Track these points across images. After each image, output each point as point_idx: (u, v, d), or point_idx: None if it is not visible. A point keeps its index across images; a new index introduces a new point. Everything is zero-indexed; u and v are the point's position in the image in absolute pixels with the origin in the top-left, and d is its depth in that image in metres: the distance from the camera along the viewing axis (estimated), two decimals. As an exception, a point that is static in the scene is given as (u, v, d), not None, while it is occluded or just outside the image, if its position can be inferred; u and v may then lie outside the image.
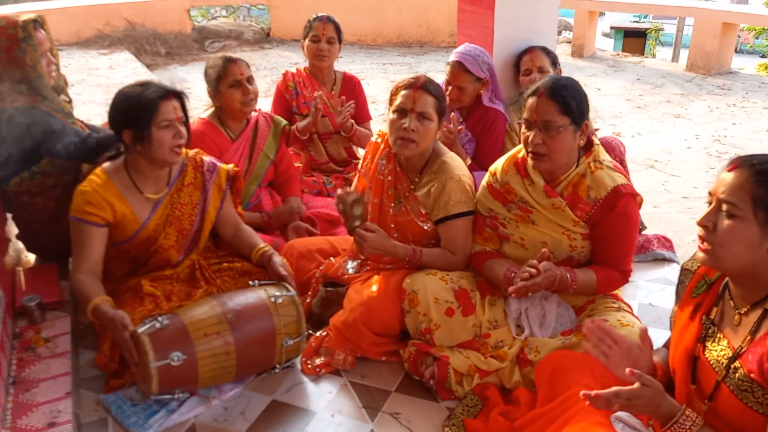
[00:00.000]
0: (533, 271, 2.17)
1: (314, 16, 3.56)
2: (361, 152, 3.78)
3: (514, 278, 2.23)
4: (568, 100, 2.20)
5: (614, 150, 3.05)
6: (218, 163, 2.64)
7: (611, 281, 2.33)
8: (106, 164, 2.46)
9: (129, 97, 2.36)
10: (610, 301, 2.36)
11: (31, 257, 3.08)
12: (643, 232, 3.28)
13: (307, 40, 3.54)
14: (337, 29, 3.56)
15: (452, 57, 3.20)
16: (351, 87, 3.71)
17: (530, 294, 2.25)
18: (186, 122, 2.43)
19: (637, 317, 2.32)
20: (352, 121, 3.55)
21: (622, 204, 2.24)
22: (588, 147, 2.34)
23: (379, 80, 6.97)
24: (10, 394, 2.17)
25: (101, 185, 2.37)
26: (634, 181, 3.12)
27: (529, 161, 2.31)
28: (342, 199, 2.50)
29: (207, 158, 2.62)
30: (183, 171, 2.55)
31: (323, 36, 3.50)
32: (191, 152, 2.60)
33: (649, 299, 2.85)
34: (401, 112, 2.44)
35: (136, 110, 2.32)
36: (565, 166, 2.30)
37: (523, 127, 2.29)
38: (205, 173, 2.58)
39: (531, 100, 2.26)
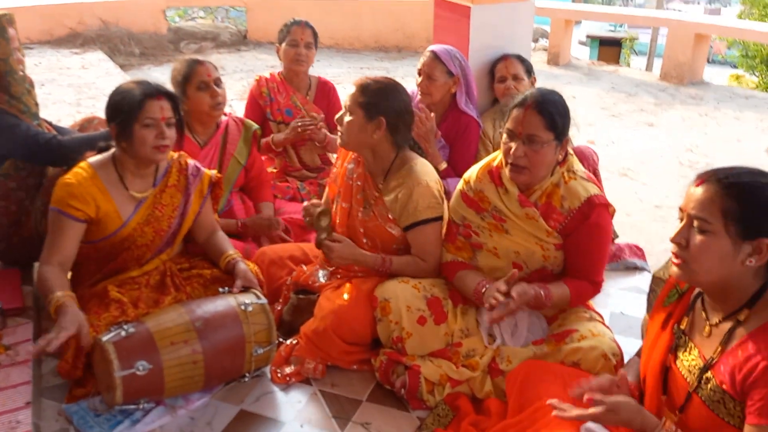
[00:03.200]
0: (500, 297, 2.13)
1: (291, 20, 3.52)
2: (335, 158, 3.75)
3: (485, 294, 2.21)
4: (555, 116, 2.19)
5: (588, 159, 3.06)
6: (202, 168, 2.61)
7: (583, 293, 2.33)
8: (93, 158, 2.42)
9: (120, 92, 2.35)
10: (581, 310, 2.36)
11: (-6, 262, 3.00)
12: (615, 241, 3.30)
13: (284, 45, 3.50)
14: (315, 34, 3.54)
15: (426, 50, 3.21)
16: (326, 92, 3.68)
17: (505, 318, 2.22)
18: (177, 124, 2.40)
19: (608, 326, 2.32)
20: (325, 131, 3.51)
21: (595, 215, 2.23)
22: (563, 158, 2.33)
23: (356, 84, 6.95)
24: (-32, 404, 2.11)
25: (87, 179, 2.33)
26: (607, 189, 3.14)
27: (507, 172, 2.30)
28: (308, 211, 2.50)
29: (191, 162, 2.59)
30: (168, 172, 2.51)
31: (302, 41, 3.47)
32: (176, 154, 2.56)
33: (621, 308, 2.86)
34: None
35: (122, 106, 2.31)
36: (541, 178, 2.29)
37: (505, 136, 2.28)
38: (189, 177, 2.54)
39: (517, 112, 2.23)
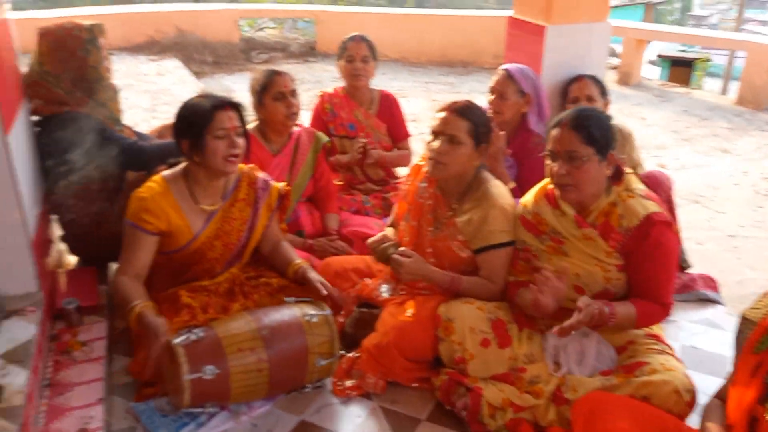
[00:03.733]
0: (547, 274, 2.16)
1: (348, 36, 3.57)
2: (400, 171, 3.76)
3: (537, 296, 2.19)
4: (592, 130, 2.18)
5: (662, 185, 2.98)
6: (271, 181, 2.65)
7: (651, 315, 2.27)
8: (166, 172, 2.50)
9: (188, 107, 2.42)
10: (652, 342, 2.28)
11: (72, 259, 3.11)
12: (687, 271, 3.19)
13: (342, 61, 3.55)
14: (371, 47, 3.55)
15: (499, 68, 3.20)
16: (388, 105, 3.69)
17: (573, 335, 2.19)
18: (244, 133, 2.45)
19: (679, 360, 2.24)
20: (378, 151, 3.52)
21: (656, 233, 2.18)
22: (619, 176, 2.30)
23: (421, 99, 6.97)
24: (44, 397, 2.20)
25: (160, 193, 2.40)
26: (679, 216, 3.06)
27: (557, 192, 2.29)
28: (375, 246, 2.54)
29: (261, 175, 2.63)
30: (238, 185, 2.56)
31: (358, 56, 3.50)
32: (246, 167, 2.61)
33: (692, 341, 2.76)
34: (434, 134, 2.47)
35: (192, 119, 2.37)
36: (595, 196, 2.27)
37: (548, 158, 2.28)
38: (258, 190, 2.59)
39: (554, 131, 2.25)
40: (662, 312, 2.28)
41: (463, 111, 2.45)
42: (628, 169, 2.35)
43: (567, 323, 2.11)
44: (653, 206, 2.23)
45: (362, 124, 3.58)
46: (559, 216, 2.33)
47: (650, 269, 2.23)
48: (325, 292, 2.43)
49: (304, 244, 3.07)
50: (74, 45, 2.73)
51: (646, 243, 2.20)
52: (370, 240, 2.59)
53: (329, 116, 3.60)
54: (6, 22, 2.66)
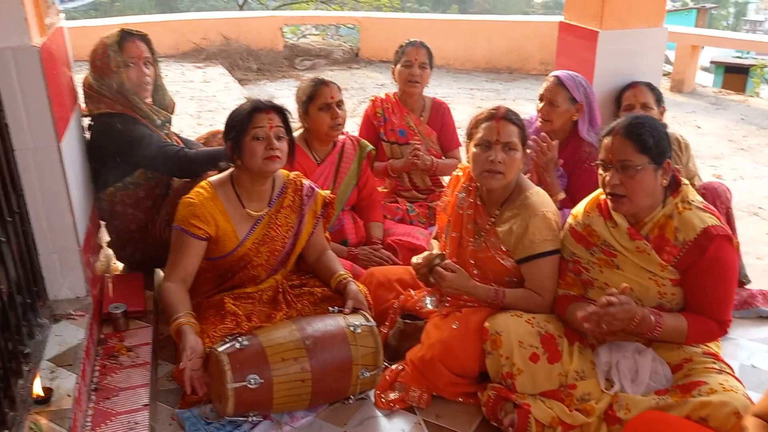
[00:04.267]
0: (612, 299, 2.05)
1: (407, 41, 3.53)
2: (446, 181, 3.71)
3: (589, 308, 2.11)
4: (645, 137, 2.11)
5: (720, 196, 2.86)
6: (316, 188, 2.64)
7: (706, 332, 2.17)
8: (213, 177, 2.52)
9: (233, 111, 2.45)
10: (710, 361, 2.18)
11: (119, 265, 3.16)
12: (747, 286, 3.06)
13: (399, 66, 3.51)
14: (429, 54, 3.52)
15: (550, 75, 3.13)
16: (440, 113, 3.65)
17: (604, 326, 2.08)
18: (289, 137, 2.45)
19: (739, 380, 2.13)
20: (431, 157, 3.48)
21: (714, 247, 2.09)
22: (675, 187, 2.21)
23: (466, 105, 6.90)
24: (91, 401, 2.22)
25: (208, 199, 2.42)
26: (738, 229, 2.93)
27: (609, 203, 2.21)
28: (419, 269, 2.50)
29: (306, 182, 2.63)
30: (284, 192, 2.57)
31: (416, 61, 3.47)
32: (292, 174, 2.61)
33: (752, 360, 2.64)
34: (485, 144, 2.38)
35: (234, 122, 2.40)
36: (649, 208, 2.19)
37: (600, 168, 2.21)
38: (304, 197, 2.59)
39: (606, 140, 2.19)
40: (719, 330, 2.19)
41: (510, 116, 2.40)
42: (685, 180, 2.26)
43: (594, 310, 2.07)
44: (711, 219, 2.14)
45: (413, 130, 3.55)
46: (612, 228, 2.25)
47: (708, 285, 2.14)
48: (348, 310, 2.37)
49: (348, 253, 3.04)
50: (102, 51, 2.79)
51: (704, 257, 2.11)
52: (414, 260, 2.54)
53: (380, 121, 3.58)
54: (61, 30, 2.71)
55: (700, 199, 2.24)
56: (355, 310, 2.38)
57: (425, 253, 2.54)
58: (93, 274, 2.65)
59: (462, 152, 3.75)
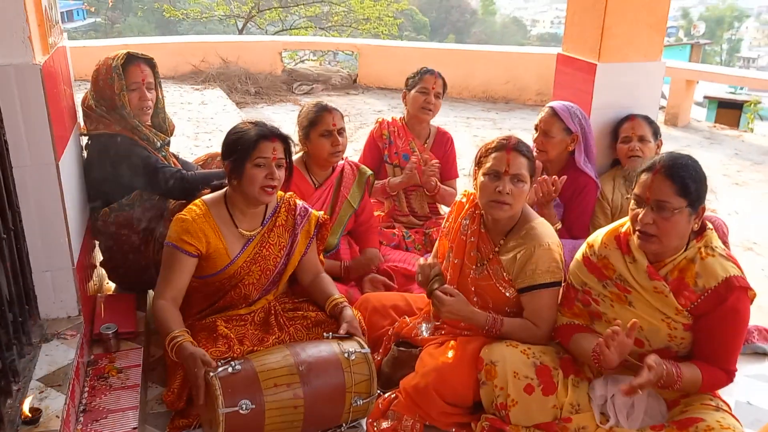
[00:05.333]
0: (617, 329, 2.02)
1: (424, 68, 3.55)
2: (443, 209, 3.72)
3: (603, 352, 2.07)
4: (687, 181, 2.05)
5: (717, 231, 2.83)
6: (310, 209, 2.64)
7: (716, 381, 2.14)
8: (207, 196, 2.52)
9: (236, 131, 2.44)
10: (707, 397, 2.17)
11: (112, 285, 3.13)
12: (742, 322, 3.05)
13: (413, 91, 3.52)
14: (445, 85, 3.55)
15: (545, 106, 3.15)
16: (443, 142, 3.68)
17: (640, 392, 2.04)
18: (287, 166, 2.46)
19: (736, 418, 2.12)
20: (436, 179, 3.49)
21: (733, 298, 2.05)
22: (700, 231, 2.17)
23: (462, 133, 6.93)
24: (79, 422, 2.18)
25: (200, 216, 2.42)
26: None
27: (635, 239, 2.16)
28: (424, 271, 2.47)
29: (300, 202, 2.63)
30: (277, 211, 2.57)
31: (432, 90, 3.48)
32: (286, 195, 2.61)
33: (747, 397, 2.62)
34: (494, 174, 2.37)
35: (237, 144, 2.39)
36: (674, 249, 2.14)
37: (633, 202, 2.16)
38: (297, 217, 2.58)
39: (645, 176, 2.12)
40: (727, 379, 2.15)
41: (520, 148, 2.38)
42: (710, 225, 2.20)
43: (636, 382, 1.98)
44: (734, 269, 2.10)
45: (416, 155, 3.56)
46: (630, 263, 2.19)
47: (721, 334, 2.11)
48: (342, 333, 2.35)
49: (341, 267, 3.03)
50: (105, 73, 2.79)
51: (722, 307, 2.07)
52: (421, 261, 2.53)
53: (386, 143, 3.60)
54: (63, 50, 2.72)
55: (723, 246, 2.19)
56: (349, 336, 2.36)
57: (430, 262, 2.52)
58: (85, 293, 2.62)
59: (459, 183, 3.77)
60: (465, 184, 3.82)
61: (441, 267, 2.51)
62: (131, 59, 2.83)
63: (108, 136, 2.80)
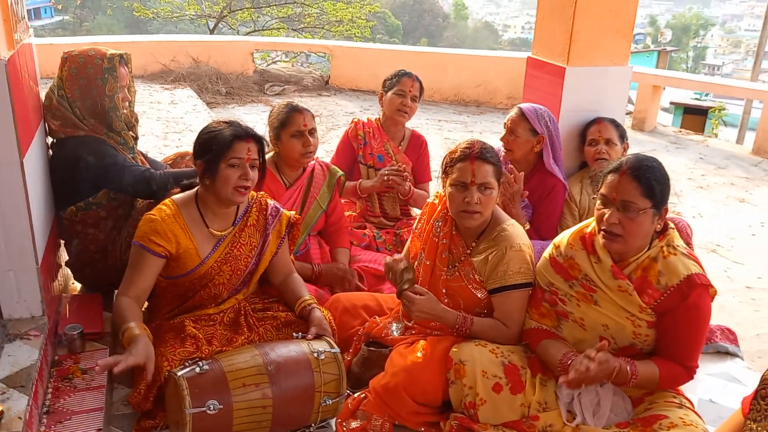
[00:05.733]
0: (591, 365, 2.04)
1: (401, 71, 3.57)
2: (415, 211, 3.73)
3: (570, 367, 2.10)
4: (653, 182, 2.10)
5: (681, 232, 2.89)
6: (281, 209, 2.63)
7: (675, 377, 2.18)
8: (177, 196, 2.49)
9: (210, 131, 2.41)
10: (670, 395, 2.21)
11: (78, 285, 3.08)
12: (705, 321, 3.11)
13: (390, 93, 3.52)
14: (421, 89, 3.57)
15: (514, 107, 3.19)
16: (418, 145, 3.69)
17: (584, 386, 2.11)
18: (260, 167, 2.44)
19: (698, 414, 2.16)
20: (410, 184, 3.51)
21: (695, 295, 2.10)
22: (662, 230, 2.22)
23: (434, 136, 6.98)
24: (42, 424, 2.14)
25: (170, 216, 2.39)
26: (699, 266, 2.98)
27: (600, 239, 2.20)
28: (391, 267, 2.47)
29: (271, 202, 2.62)
30: (248, 211, 2.55)
31: (409, 92, 3.50)
32: (258, 194, 2.60)
33: (710, 395, 2.68)
34: (461, 185, 2.38)
35: (211, 143, 2.37)
36: (637, 249, 2.18)
37: (599, 202, 2.20)
38: (268, 217, 2.57)
39: (612, 177, 2.15)
40: (687, 375, 2.20)
41: (484, 155, 2.38)
42: (671, 225, 2.25)
43: (576, 376, 2.04)
44: (695, 267, 2.15)
45: (390, 157, 3.57)
46: (595, 263, 2.23)
47: (682, 331, 2.15)
48: (311, 336, 2.34)
49: (312, 270, 3.03)
50: (93, 73, 2.74)
51: (684, 304, 2.11)
52: (388, 259, 2.53)
53: (361, 143, 3.60)
54: (30, 47, 2.67)
55: (685, 245, 2.24)
56: (319, 336, 2.36)
57: (396, 258, 2.52)
58: (50, 293, 2.57)
59: (432, 186, 3.79)
60: (437, 186, 3.85)
61: (408, 262, 2.51)
62: (120, 60, 2.81)
63: (75, 135, 2.75)
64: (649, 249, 2.19)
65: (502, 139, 3.16)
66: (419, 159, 3.66)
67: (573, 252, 2.29)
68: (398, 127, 3.63)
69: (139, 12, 17.28)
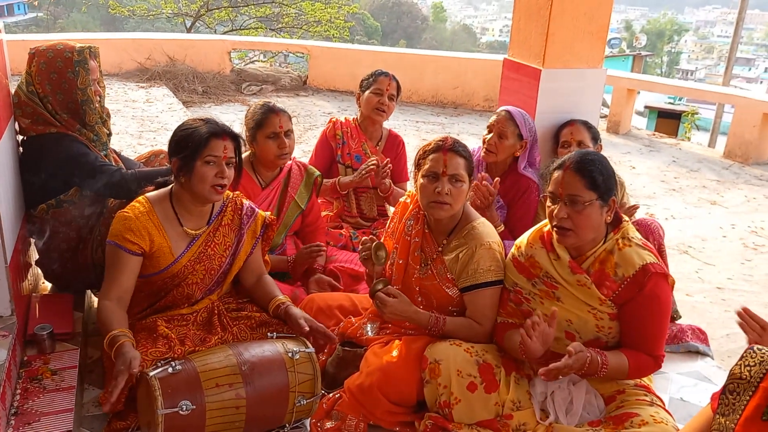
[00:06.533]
0: (536, 319, 2.11)
1: (379, 70, 3.57)
2: (391, 211, 3.73)
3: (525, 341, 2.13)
4: (595, 174, 2.16)
5: (653, 233, 2.96)
6: (256, 209, 2.61)
7: (643, 366, 2.22)
8: (151, 193, 2.46)
9: (186, 128, 2.39)
10: (642, 393, 2.24)
11: (48, 285, 3.03)
12: (677, 322, 3.16)
13: (367, 92, 3.52)
14: (398, 88, 3.57)
15: (499, 109, 3.21)
16: (395, 145, 3.70)
17: (560, 377, 2.14)
18: (237, 164, 2.43)
19: (669, 412, 2.19)
20: (390, 180, 3.51)
21: (651, 284, 2.15)
22: (617, 223, 2.27)
23: (411, 137, 7.00)
24: (10, 426, 2.09)
25: (144, 213, 2.36)
26: (669, 266, 3.02)
27: (554, 235, 2.25)
28: (365, 245, 2.49)
29: (246, 202, 2.60)
30: (223, 210, 2.53)
31: (386, 91, 3.49)
32: (233, 194, 2.57)
33: (681, 394, 2.71)
34: (432, 176, 2.39)
35: (187, 141, 2.34)
36: (592, 242, 2.24)
37: (548, 200, 2.25)
38: (243, 217, 2.55)
39: (557, 174, 2.22)
40: (654, 364, 2.24)
41: (457, 148, 2.42)
42: (625, 217, 2.32)
43: (554, 365, 2.07)
44: (650, 256, 2.20)
45: (368, 157, 3.56)
46: (554, 260, 2.28)
47: (644, 320, 2.19)
48: (307, 329, 2.34)
49: (287, 262, 3.01)
50: (64, 66, 2.69)
51: (641, 294, 2.16)
52: (363, 239, 2.54)
53: (339, 143, 3.59)
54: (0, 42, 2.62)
55: (640, 236, 2.29)
56: (293, 336, 2.34)
57: (372, 237, 2.54)
58: (19, 293, 2.52)
59: (410, 185, 3.79)
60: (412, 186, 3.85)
61: (382, 243, 2.51)
62: (91, 53, 2.76)
63: (45, 132, 2.71)
64: (605, 242, 2.24)
65: (487, 141, 3.17)
66: (397, 158, 3.67)
67: (533, 251, 2.34)
68: (376, 127, 3.63)
69: (115, 10, 17.06)
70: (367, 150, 3.58)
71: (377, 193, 3.60)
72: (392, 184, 3.53)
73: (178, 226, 2.42)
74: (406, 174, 3.75)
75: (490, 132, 3.17)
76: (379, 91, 3.49)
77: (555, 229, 2.23)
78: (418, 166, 2.47)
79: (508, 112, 3.15)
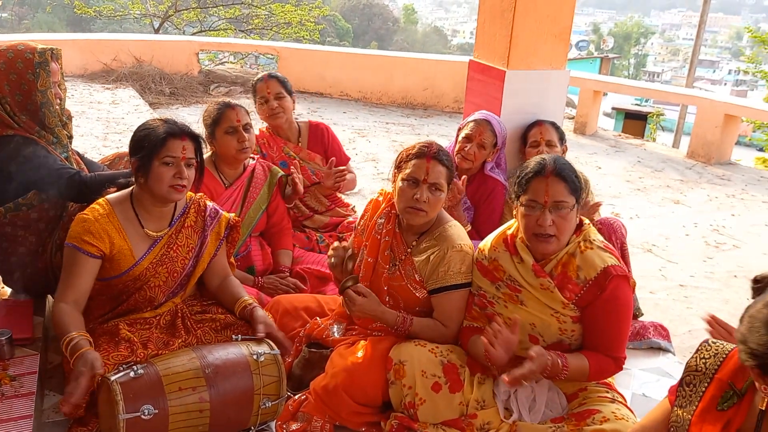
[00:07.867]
0: (497, 327, 2.13)
1: (257, 77, 3.45)
2: (342, 196, 3.69)
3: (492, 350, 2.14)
4: (573, 178, 2.19)
5: (616, 232, 3.00)
6: (220, 210, 2.59)
7: (604, 369, 2.24)
8: (112, 195, 2.42)
9: (145, 128, 2.37)
10: (603, 390, 2.27)
11: (7, 290, 2.97)
12: (640, 319, 3.21)
13: (257, 105, 3.43)
14: (282, 82, 3.41)
15: (477, 116, 3.21)
16: (319, 135, 3.56)
17: (524, 383, 2.14)
18: (197, 165, 2.40)
19: (630, 409, 2.22)
20: (299, 175, 3.36)
21: (612, 286, 2.16)
22: (578, 226, 2.28)
23: (381, 138, 7.01)
24: (-34, 434, 2.05)
25: (103, 215, 2.32)
26: (631, 264, 3.08)
27: (519, 242, 2.26)
28: (337, 252, 2.49)
29: (210, 204, 2.57)
30: (186, 212, 2.50)
31: (270, 95, 3.37)
32: (196, 195, 2.55)
33: (643, 389, 2.75)
34: (413, 181, 2.38)
35: (144, 141, 2.32)
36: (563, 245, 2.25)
37: (525, 209, 2.21)
38: (207, 218, 2.53)
39: (539, 181, 2.18)
40: (615, 366, 2.25)
41: (440, 157, 2.39)
42: (586, 219, 2.33)
43: (518, 372, 2.08)
44: (611, 259, 2.21)
45: (293, 159, 3.46)
46: (518, 263, 2.28)
47: (605, 323, 2.21)
48: (261, 335, 2.31)
49: (254, 282, 2.98)
50: (24, 67, 2.64)
51: (603, 296, 2.17)
52: (335, 243, 2.54)
53: (259, 157, 3.50)
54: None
55: (601, 238, 2.30)
56: (261, 338, 2.33)
57: (344, 245, 2.55)
58: (-24, 298, 2.47)
59: (374, 184, 3.79)
60: (382, 185, 3.85)
61: (353, 250, 2.51)
62: (52, 55, 2.71)
63: (6, 135, 2.65)
64: (567, 245, 2.24)
65: (467, 151, 3.15)
66: (328, 148, 3.54)
67: (496, 254, 2.34)
68: (286, 128, 3.49)
69: (81, 10, 16.78)
70: (290, 152, 3.47)
71: (319, 187, 3.47)
72: (301, 178, 3.34)
73: (139, 227, 2.38)
74: (344, 156, 3.63)
75: (469, 141, 3.17)
76: (264, 98, 3.37)
77: (538, 237, 2.19)
78: (399, 168, 2.45)
79: (487, 122, 3.15)
